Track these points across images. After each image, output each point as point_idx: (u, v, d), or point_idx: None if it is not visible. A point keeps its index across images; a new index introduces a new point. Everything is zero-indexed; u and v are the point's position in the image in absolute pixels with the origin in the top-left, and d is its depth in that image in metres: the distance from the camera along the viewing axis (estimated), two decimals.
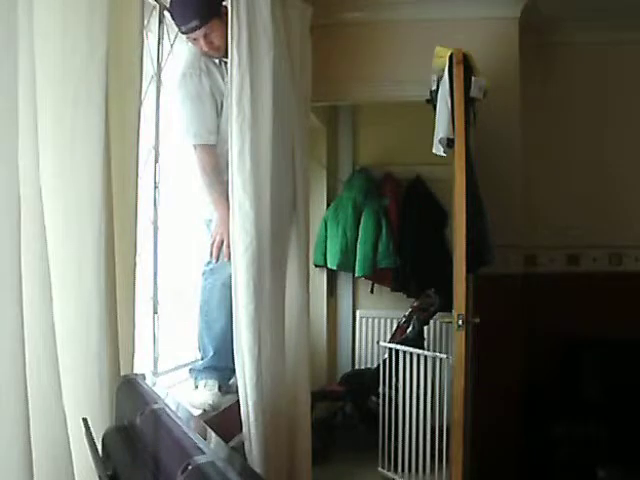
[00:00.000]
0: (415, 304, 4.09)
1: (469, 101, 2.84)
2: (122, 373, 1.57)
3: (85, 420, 1.35)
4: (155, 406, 1.20)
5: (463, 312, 2.67)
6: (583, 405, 3.60)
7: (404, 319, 4.05)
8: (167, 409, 1.19)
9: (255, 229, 2.34)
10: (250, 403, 2.33)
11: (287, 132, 2.58)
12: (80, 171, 1.49)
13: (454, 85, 2.80)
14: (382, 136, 4.79)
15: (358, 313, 4.88)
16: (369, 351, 4.75)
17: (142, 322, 2.50)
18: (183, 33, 2.49)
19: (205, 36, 2.46)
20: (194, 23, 2.42)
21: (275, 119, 2.45)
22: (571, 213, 4.09)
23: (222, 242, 2.53)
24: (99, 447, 1.29)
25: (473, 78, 2.84)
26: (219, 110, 2.57)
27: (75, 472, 1.40)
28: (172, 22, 2.53)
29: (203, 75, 2.52)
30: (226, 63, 2.52)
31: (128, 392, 1.40)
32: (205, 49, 2.50)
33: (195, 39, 2.49)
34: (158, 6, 2.71)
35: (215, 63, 2.58)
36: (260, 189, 2.38)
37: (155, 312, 2.69)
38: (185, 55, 2.64)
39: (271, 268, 2.43)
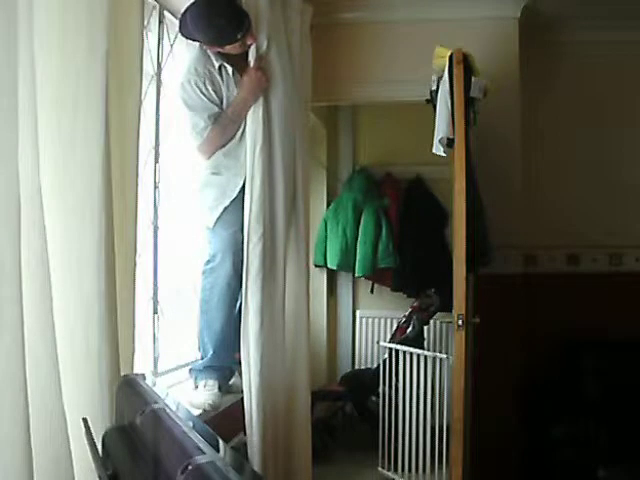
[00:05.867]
0: (415, 304, 4.10)
1: (469, 101, 2.84)
2: (122, 373, 1.57)
3: (85, 420, 1.35)
4: (155, 406, 1.20)
5: (463, 312, 2.67)
6: (583, 405, 3.60)
7: (404, 319, 4.05)
8: (167, 409, 1.19)
9: (269, 222, 2.44)
10: (254, 402, 2.35)
11: (289, 131, 2.59)
12: (80, 171, 1.49)
13: (454, 85, 2.80)
14: (382, 136, 4.79)
15: (358, 313, 4.89)
16: (369, 351, 4.75)
17: (142, 322, 2.50)
18: (225, 45, 2.44)
19: (242, 40, 2.42)
20: (239, 34, 2.37)
21: (279, 118, 2.50)
22: (571, 213, 4.08)
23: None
24: (99, 447, 1.29)
25: (473, 78, 2.84)
26: (217, 114, 2.54)
27: (75, 472, 1.40)
28: (211, 43, 2.45)
29: (207, 80, 2.50)
30: (226, 67, 2.51)
31: (128, 392, 1.40)
32: (239, 50, 2.48)
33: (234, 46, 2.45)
34: (158, 6, 2.71)
35: (215, 68, 2.55)
36: (274, 187, 2.49)
37: (155, 312, 2.69)
38: (186, 62, 2.61)
39: (276, 264, 2.49)
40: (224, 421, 2.52)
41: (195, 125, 2.51)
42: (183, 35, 2.48)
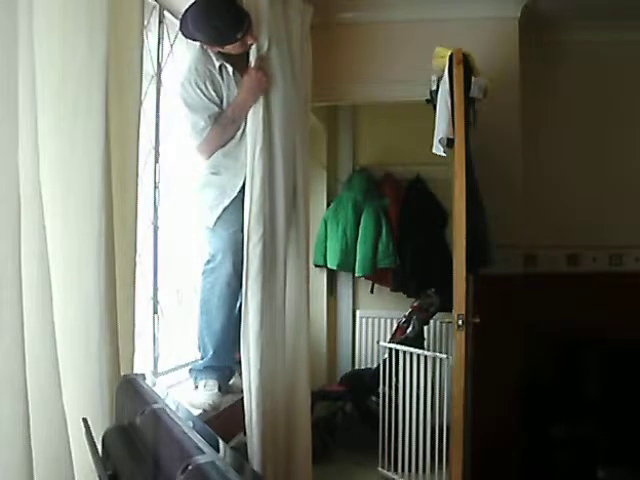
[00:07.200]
0: (415, 304, 4.09)
1: (469, 101, 2.84)
2: (122, 373, 1.57)
3: (85, 420, 1.35)
4: (155, 406, 1.20)
5: (463, 312, 2.67)
6: (583, 405, 3.60)
7: (404, 319, 4.05)
8: (167, 409, 1.19)
9: (269, 222, 2.44)
10: (254, 402, 2.35)
11: (289, 131, 2.59)
12: (80, 171, 1.49)
13: (454, 85, 2.80)
14: (382, 136, 4.79)
15: (358, 313, 4.88)
16: (369, 351, 4.75)
17: (142, 322, 2.50)
18: (225, 45, 2.44)
19: (242, 40, 2.43)
20: (239, 34, 2.38)
21: (279, 118, 2.50)
22: (571, 213, 4.08)
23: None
24: (99, 447, 1.29)
25: (473, 78, 2.84)
26: (217, 114, 2.54)
27: (75, 472, 1.40)
28: (211, 43, 2.45)
29: (207, 80, 2.50)
30: (226, 67, 2.51)
31: (128, 392, 1.40)
32: (239, 50, 2.48)
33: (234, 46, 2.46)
34: (158, 6, 2.71)
35: (216, 68, 2.55)
36: (274, 187, 2.49)
37: (155, 312, 2.69)
38: (186, 61, 2.60)
39: (276, 264, 2.49)
40: (224, 421, 2.52)
41: (195, 125, 2.51)
42: (184, 35, 2.48)
